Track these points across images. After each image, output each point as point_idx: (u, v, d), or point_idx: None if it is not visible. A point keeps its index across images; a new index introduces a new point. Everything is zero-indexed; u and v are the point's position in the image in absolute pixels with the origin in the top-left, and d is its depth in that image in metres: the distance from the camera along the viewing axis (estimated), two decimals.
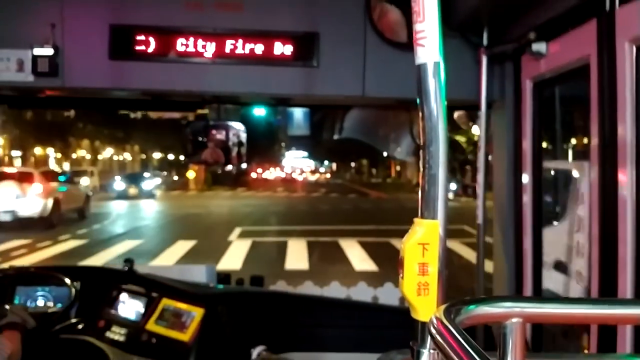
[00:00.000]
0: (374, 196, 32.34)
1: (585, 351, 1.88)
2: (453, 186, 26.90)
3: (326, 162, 66.88)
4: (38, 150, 35.24)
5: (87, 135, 37.39)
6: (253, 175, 50.14)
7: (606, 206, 1.67)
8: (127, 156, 49.53)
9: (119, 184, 29.50)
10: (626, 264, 1.57)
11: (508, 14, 2.17)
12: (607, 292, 1.64)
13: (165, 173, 45.41)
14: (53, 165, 34.45)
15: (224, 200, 27.82)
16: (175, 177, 45.51)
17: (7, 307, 2.37)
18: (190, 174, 37.65)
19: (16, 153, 33.08)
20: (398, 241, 1.03)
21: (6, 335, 1.90)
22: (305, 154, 64.26)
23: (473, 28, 2.34)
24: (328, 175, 65.11)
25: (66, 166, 37.59)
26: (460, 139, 26.69)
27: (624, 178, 1.59)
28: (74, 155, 39.95)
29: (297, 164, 65.91)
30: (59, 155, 37.89)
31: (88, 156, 41.65)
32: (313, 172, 66.41)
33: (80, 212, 18.44)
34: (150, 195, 28.69)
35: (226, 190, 35.79)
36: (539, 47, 2.04)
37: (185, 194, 33.39)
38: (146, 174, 33.15)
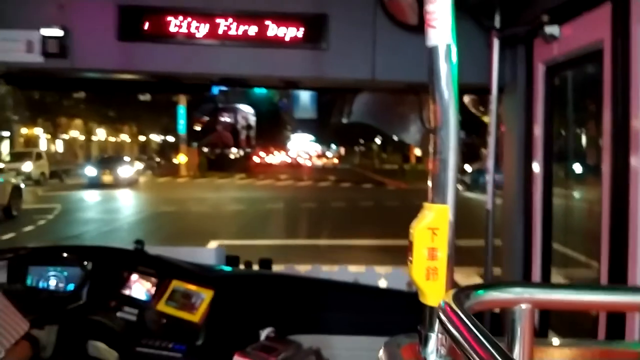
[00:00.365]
0: (393, 186, 26.46)
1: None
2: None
3: (333, 146, 62.88)
4: (26, 131, 31.79)
5: (78, 114, 33.69)
6: (256, 159, 44.21)
7: (617, 192, 1.65)
8: (125, 138, 44.93)
9: (90, 169, 24.89)
10: (636, 250, 1.56)
11: None
12: (617, 279, 1.64)
13: (158, 159, 39.80)
14: (44, 147, 31.08)
15: (213, 192, 20.81)
16: (163, 162, 38.65)
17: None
18: (182, 158, 32.14)
19: (6, 134, 29.61)
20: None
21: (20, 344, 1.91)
22: (312, 137, 61.21)
23: (485, 10, 2.30)
24: (336, 160, 60.12)
25: (59, 147, 34.90)
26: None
27: (636, 164, 1.57)
28: (66, 137, 36.63)
29: (304, 147, 62.19)
30: (49, 136, 34.44)
31: (82, 137, 38.07)
32: (319, 156, 62.40)
33: (4, 209, 13.87)
34: (129, 183, 24.31)
35: (222, 178, 29.14)
36: (552, 30, 2.00)
37: (174, 181, 28.07)
38: (126, 158, 28.19)
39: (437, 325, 0.87)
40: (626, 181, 1.60)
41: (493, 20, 2.30)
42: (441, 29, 0.87)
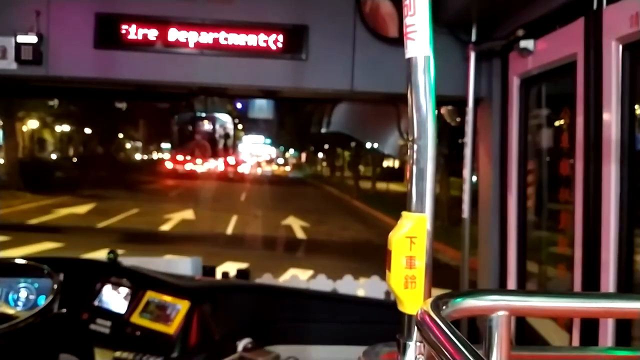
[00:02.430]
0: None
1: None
2: None
3: (292, 151, 51.87)
4: None
5: None
6: (168, 165, 29.51)
7: (590, 202, 1.69)
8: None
9: None
10: (609, 259, 1.59)
11: (497, 11, 2.18)
12: (590, 287, 1.67)
13: None
14: None
15: None
16: None
17: None
18: None
19: None
20: None
21: None
22: (265, 139, 49.74)
23: (462, 24, 2.35)
24: (287, 168, 49.04)
25: None
26: None
27: (608, 175, 1.61)
28: None
29: (255, 151, 51.49)
30: None
31: None
32: (269, 162, 51.88)
33: None
34: None
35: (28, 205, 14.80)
36: (527, 44, 2.06)
37: None
38: None
39: (415, 334, 0.88)
40: (598, 191, 1.65)
41: (470, 34, 2.35)
42: (420, 41, 0.88)
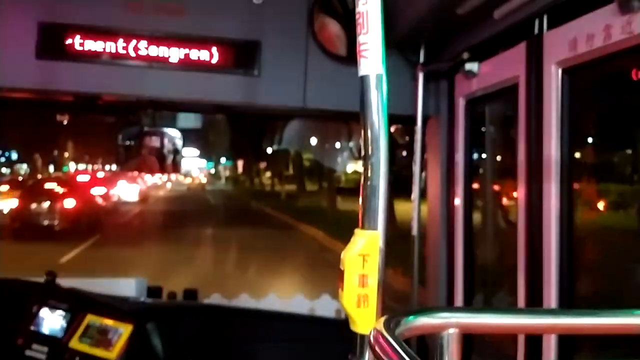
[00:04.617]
0: None
1: None
2: None
3: (223, 160, 45.24)
4: None
5: None
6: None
7: (532, 220, 1.75)
8: None
9: None
10: (551, 276, 1.65)
11: (444, 33, 2.25)
12: (533, 302, 1.72)
13: None
14: None
15: None
16: None
17: None
18: None
19: None
20: None
21: None
22: (197, 152, 41.98)
23: (411, 46, 2.41)
24: (204, 180, 46.27)
25: None
26: None
27: (549, 194, 1.68)
28: None
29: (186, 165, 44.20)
30: None
31: None
32: (192, 177, 46.67)
33: None
34: None
35: None
36: (472, 66, 2.13)
37: None
38: None
39: (368, 353, 0.87)
40: (539, 209, 1.71)
41: (418, 56, 2.41)
42: (372, 59, 0.89)
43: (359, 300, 0.88)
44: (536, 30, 1.72)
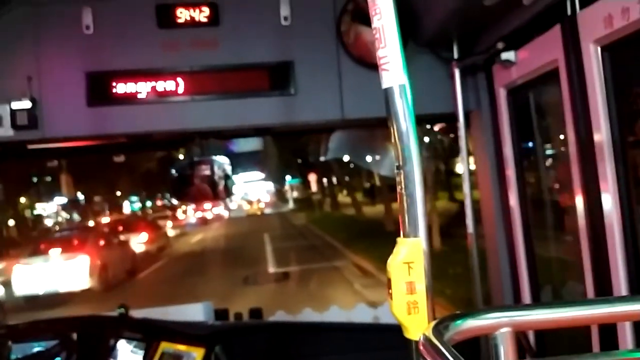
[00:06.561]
0: None
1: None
2: None
3: (288, 179, 40.03)
4: None
5: None
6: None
7: (591, 205, 1.69)
8: None
9: None
10: (617, 261, 1.58)
11: (475, 26, 2.22)
12: (602, 292, 1.65)
13: None
14: None
15: None
16: None
17: None
18: None
19: None
20: None
21: None
22: (260, 174, 40.72)
23: (443, 43, 2.38)
24: (262, 205, 42.49)
25: None
26: None
27: (605, 176, 1.61)
28: None
29: (249, 189, 42.15)
30: None
31: None
32: (250, 202, 42.93)
33: None
34: None
35: None
36: (508, 55, 2.09)
37: None
38: None
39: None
40: (598, 193, 1.64)
41: (452, 52, 2.38)
42: (394, 71, 0.90)
43: (409, 307, 0.89)
44: (569, 11, 1.67)
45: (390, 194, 16.90)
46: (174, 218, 33.52)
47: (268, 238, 20.34)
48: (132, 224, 23.05)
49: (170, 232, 27.95)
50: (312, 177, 29.78)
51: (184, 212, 38.59)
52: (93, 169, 28.05)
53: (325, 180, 29.51)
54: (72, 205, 36.31)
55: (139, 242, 19.92)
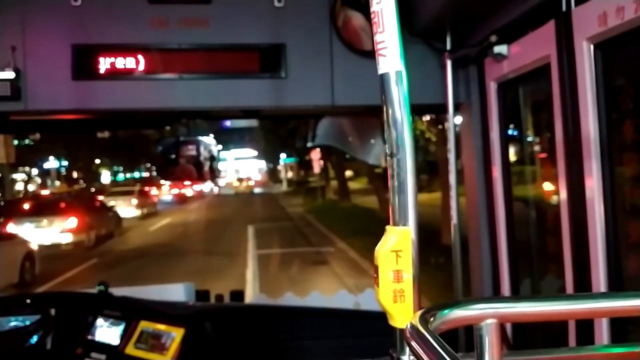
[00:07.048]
0: None
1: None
2: None
3: (283, 157, 37.02)
4: None
5: None
6: None
7: (575, 201, 1.71)
8: None
9: None
10: (598, 258, 1.60)
11: (469, 18, 2.22)
12: (582, 287, 1.68)
13: None
14: None
15: None
16: None
17: None
18: None
19: None
20: None
21: None
22: (253, 152, 40.68)
23: (436, 34, 2.38)
24: (252, 183, 41.36)
25: None
26: None
27: (590, 173, 1.63)
28: None
29: (243, 168, 41.65)
30: None
31: None
32: (240, 179, 41.84)
33: None
34: None
35: None
36: (501, 49, 2.09)
37: None
38: None
39: (407, 348, 0.87)
40: (582, 190, 1.66)
41: (445, 43, 2.38)
42: (391, 57, 0.89)
43: (395, 296, 0.89)
44: (564, 7, 1.68)
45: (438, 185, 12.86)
46: (143, 194, 25.58)
47: (252, 231, 15.72)
48: (57, 202, 16.00)
49: (132, 213, 21.99)
50: (315, 156, 24.31)
51: (158, 187, 32.39)
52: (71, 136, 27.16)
53: (329, 162, 24.22)
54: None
55: (62, 230, 13.93)
